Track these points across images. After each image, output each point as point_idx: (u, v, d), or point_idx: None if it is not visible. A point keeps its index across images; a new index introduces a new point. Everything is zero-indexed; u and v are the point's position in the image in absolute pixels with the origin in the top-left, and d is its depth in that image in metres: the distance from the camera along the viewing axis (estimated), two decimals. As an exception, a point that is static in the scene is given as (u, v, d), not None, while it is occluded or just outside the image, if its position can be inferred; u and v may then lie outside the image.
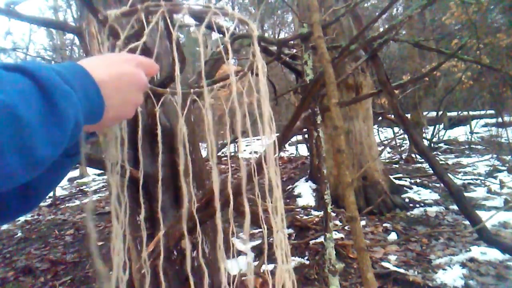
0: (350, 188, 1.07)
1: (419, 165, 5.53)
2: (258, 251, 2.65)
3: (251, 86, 0.49)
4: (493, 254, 2.32)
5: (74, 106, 0.32)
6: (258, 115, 0.46)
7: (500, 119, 6.55)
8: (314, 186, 4.42)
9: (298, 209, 3.79)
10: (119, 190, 0.46)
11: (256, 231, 3.12)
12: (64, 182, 8.75)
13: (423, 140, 6.75)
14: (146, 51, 0.49)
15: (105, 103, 0.37)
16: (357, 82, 3.75)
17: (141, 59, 0.45)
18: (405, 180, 4.43)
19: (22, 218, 5.22)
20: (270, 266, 2.43)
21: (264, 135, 0.46)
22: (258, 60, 0.45)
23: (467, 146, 7.18)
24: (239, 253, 2.62)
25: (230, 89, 0.46)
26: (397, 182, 4.18)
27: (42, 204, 6.40)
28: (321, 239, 2.57)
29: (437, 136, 7.85)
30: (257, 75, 0.49)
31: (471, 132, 7.95)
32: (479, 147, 7.13)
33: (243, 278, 2.18)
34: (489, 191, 3.79)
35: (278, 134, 1.84)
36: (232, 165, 6.65)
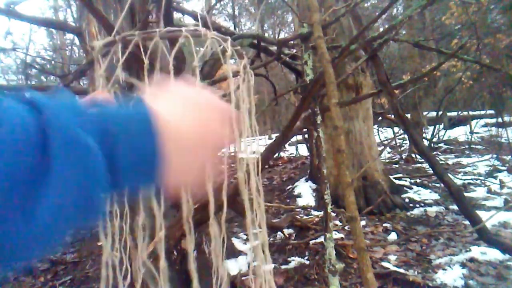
0: (350, 188, 1.07)
1: (419, 165, 5.53)
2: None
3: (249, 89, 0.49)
4: (493, 254, 2.32)
5: (90, 167, 0.23)
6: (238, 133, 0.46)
7: (500, 119, 6.55)
8: (314, 186, 4.42)
9: (298, 209, 3.79)
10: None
11: (256, 231, 3.12)
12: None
13: (423, 140, 6.75)
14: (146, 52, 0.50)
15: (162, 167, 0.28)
16: (357, 82, 3.75)
17: (230, 113, 0.36)
18: (405, 180, 4.43)
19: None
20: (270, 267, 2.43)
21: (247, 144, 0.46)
22: (229, 79, 0.46)
23: (467, 146, 7.18)
24: (239, 253, 2.62)
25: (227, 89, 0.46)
26: (397, 182, 4.17)
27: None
28: (321, 239, 2.57)
29: (437, 136, 7.84)
30: (256, 75, 0.49)
31: (471, 132, 7.95)
32: (479, 147, 7.12)
33: (243, 278, 2.18)
34: (489, 191, 3.79)
35: (278, 134, 1.84)
36: (233, 164, 6.63)
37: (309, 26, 1.82)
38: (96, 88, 0.47)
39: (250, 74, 0.48)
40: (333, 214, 3.40)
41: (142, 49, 0.47)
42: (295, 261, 2.49)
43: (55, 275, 2.88)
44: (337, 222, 3.26)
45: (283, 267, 2.42)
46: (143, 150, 0.27)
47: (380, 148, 5.23)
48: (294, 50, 2.97)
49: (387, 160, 6.18)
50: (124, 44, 0.47)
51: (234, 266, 2.33)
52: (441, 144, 7.61)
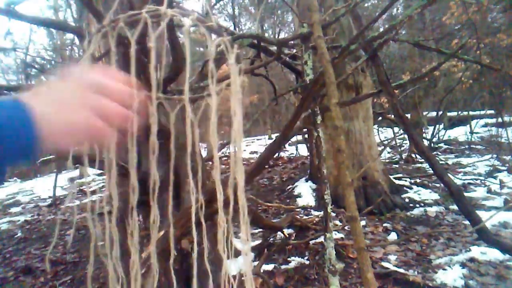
0: (350, 188, 1.07)
1: (419, 165, 5.53)
2: (258, 251, 2.65)
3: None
4: (493, 254, 2.32)
5: None
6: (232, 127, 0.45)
7: (500, 119, 6.55)
8: (314, 186, 4.42)
9: (298, 209, 3.79)
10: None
11: (256, 231, 3.12)
12: (64, 182, 8.75)
13: (423, 140, 6.75)
14: (146, 52, 0.49)
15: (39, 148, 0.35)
16: (357, 82, 3.75)
17: (105, 105, 0.38)
18: (405, 180, 4.43)
19: (22, 218, 5.22)
20: (270, 266, 2.43)
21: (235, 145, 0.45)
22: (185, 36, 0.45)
23: (467, 146, 7.18)
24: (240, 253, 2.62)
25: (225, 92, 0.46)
26: (397, 182, 4.17)
27: (42, 204, 6.40)
28: (321, 239, 2.57)
29: (437, 136, 7.84)
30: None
31: (471, 132, 7.95)
32: (479, 147, 7.12)
33: (243, 278, 2.18)
34: (489, 191, 3.79)
35: (278, 134, 1.84)
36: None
37: (309, 26, 1.82)
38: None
39: (234, 51, 0.46)
40: (333, 214, 3.40)
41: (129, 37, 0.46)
42: (295, 261, 2.49)
43: (55, 275, 2.88)
44: (337, 222, 3.26)
45: (283, 267, 2.42)
46: (19, 139, 0.33)
47: (380, 148, 5.23)
48: (294, 50, 2.97)
49: (387, 160, 6.18)
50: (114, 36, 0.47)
51: (234, 266, 2.33)
52: (441, 144, 7.62)
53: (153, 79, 0.43)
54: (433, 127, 7.72)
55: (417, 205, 3.58)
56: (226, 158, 7.95)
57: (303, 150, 8.07)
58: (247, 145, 9.71)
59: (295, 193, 4.39)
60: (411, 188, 4.09)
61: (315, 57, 2.02)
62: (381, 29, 2.09)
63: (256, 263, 2.45)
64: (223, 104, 0.55)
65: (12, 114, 0.33)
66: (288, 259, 2.53)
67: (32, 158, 0.37)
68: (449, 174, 1.94)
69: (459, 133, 8.68)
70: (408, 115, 7.09)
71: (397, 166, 5.65)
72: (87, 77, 0.39)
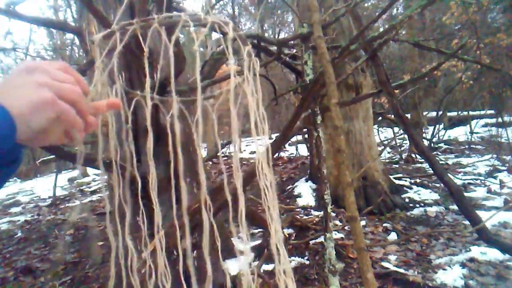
0: (350, 188, 1.07)
1: (419, 165, 5.53)
2: (258, 251, 2.65)
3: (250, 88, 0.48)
4: (493, 254, 2.32)
5: None
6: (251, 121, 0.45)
7: (500, 119, 6.56)
8: (314, 186, 4.42)
9: (298, 209, 3.79)
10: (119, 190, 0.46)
11: (256, 231, 3.12)
12: (64, 182, 8.75)
13: (423, 140, 6.75)
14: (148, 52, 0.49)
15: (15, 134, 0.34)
16: (357, 82, 3.75)
17: (62, 86, 0.38)
18: (405, 180, 4.43)
19: (22, 218, 5.22)
20: (270, 266, 2.43)
21: (258, 140, 0.45)
22: (231, 67, 0.45)
23: (467, 146, 7.18)
24: (240, 253, 2.61)
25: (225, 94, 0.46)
26: (397, 182, 4.17)
27: (42, 204, 6.40)
28: (321, 239, 2.57)
29: (437, 136, 7.84)
30: (255, 75, 0.49)
31: (471, 132, 7.95)
32: (479, 147, 7.12)
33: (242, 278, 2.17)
34: (489, 191, 3.79)
35: (278, 134, 1.84)
36: (232, 164, 6.61)
37: (309, 26, 1.83)
38: (95, 83, 0.46)
39: (256, 61, 0.46)
40: (333, 214, 3.40)
41: (141, 40, 0.46)
42: (295, 261, 2.49)
43: (55, 275, 2.88)
44: (337, 222, 3.26)
45: (283, 267, 2.42)
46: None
47: (380, 148, 5.23)
48: (294, 50, 2.97)
49: (387, 160, 6.18)
50: (123, 35, 0.46)
51: (234, 266, 2.33)
52: (441, 144, 7.61)
53: (198, 76, 0.43)
54: (433, 127, 7.71)
55: (417, 205, 3.58)
56: (226, 158, 7.95)
57: (303, 150, 8.07)
58: (247, 145, 9.72)
59: (295, 193, 4.38)
60: (411, 188, 4.09)
61: (315, 57, 2.02)
62: (381, 29, 2.09)
63: (256, 263, 2.45)
64: (223, 104, 0.55)
65: None
66: (288, 259, 2.53)
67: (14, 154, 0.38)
68: (449, 174, 1.94)
69: (459, 133, 8.68)
70: (408, 115, 7.09)
71: (397, 166, 5.65)
72: (30, 63, 0.39)
